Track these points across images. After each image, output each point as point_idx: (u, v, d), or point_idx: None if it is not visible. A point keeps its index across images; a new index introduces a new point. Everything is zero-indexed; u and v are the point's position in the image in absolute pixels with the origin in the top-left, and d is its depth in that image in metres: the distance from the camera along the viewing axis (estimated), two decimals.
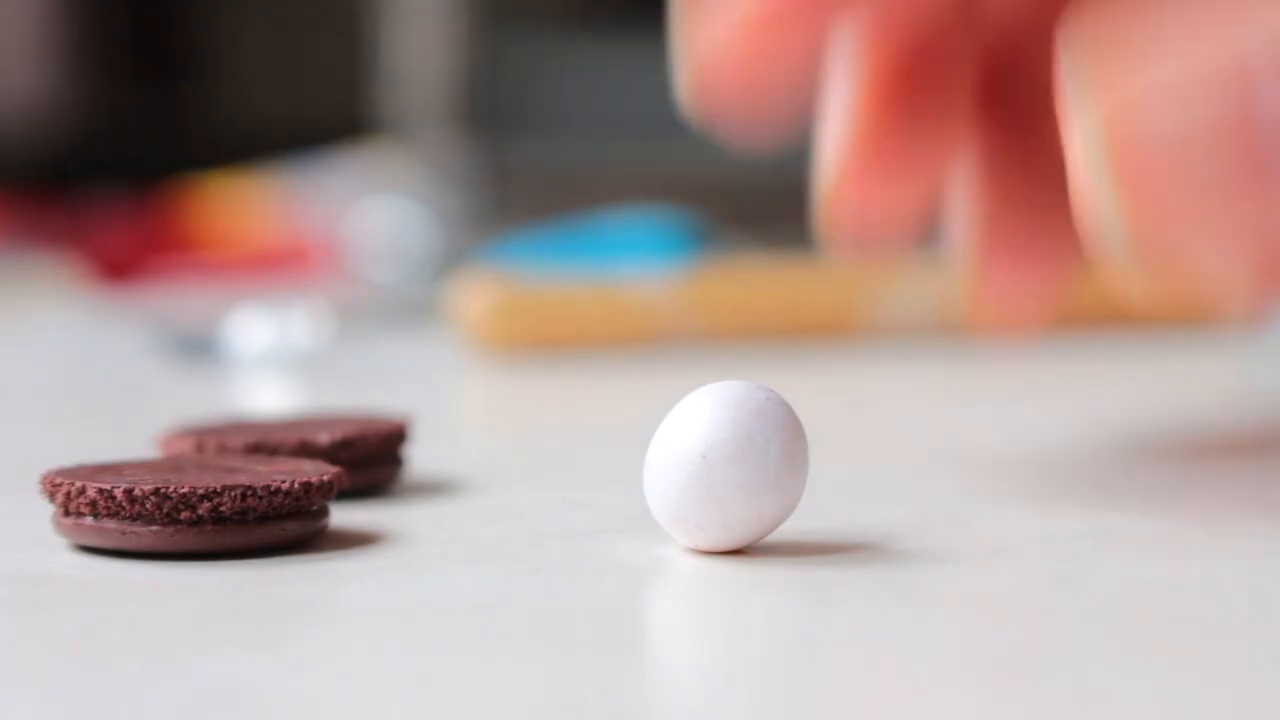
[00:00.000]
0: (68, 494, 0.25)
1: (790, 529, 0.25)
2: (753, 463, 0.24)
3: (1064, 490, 0.30)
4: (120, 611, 0.22)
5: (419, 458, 0.31)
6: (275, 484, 0.25)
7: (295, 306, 0.54)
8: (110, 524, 0.24)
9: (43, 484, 0.25)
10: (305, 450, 0.28)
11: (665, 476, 0.24)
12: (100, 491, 0.24)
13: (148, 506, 0.24)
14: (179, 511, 0.24)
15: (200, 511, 0.24)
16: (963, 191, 0.28)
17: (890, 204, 0.27)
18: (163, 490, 0.24)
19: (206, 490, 0.24)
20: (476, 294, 0.50)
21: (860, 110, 0.27)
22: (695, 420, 0.24)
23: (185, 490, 0.24)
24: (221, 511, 0.24)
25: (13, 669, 0.20)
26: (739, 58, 0.25)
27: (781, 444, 0.24)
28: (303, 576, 0.24)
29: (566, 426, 0.39)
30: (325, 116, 1.22)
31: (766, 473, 0.24)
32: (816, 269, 0.51)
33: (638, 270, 0.53)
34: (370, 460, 0.29)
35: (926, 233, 0.29)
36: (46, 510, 0.26)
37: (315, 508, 0.25)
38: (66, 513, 0.25)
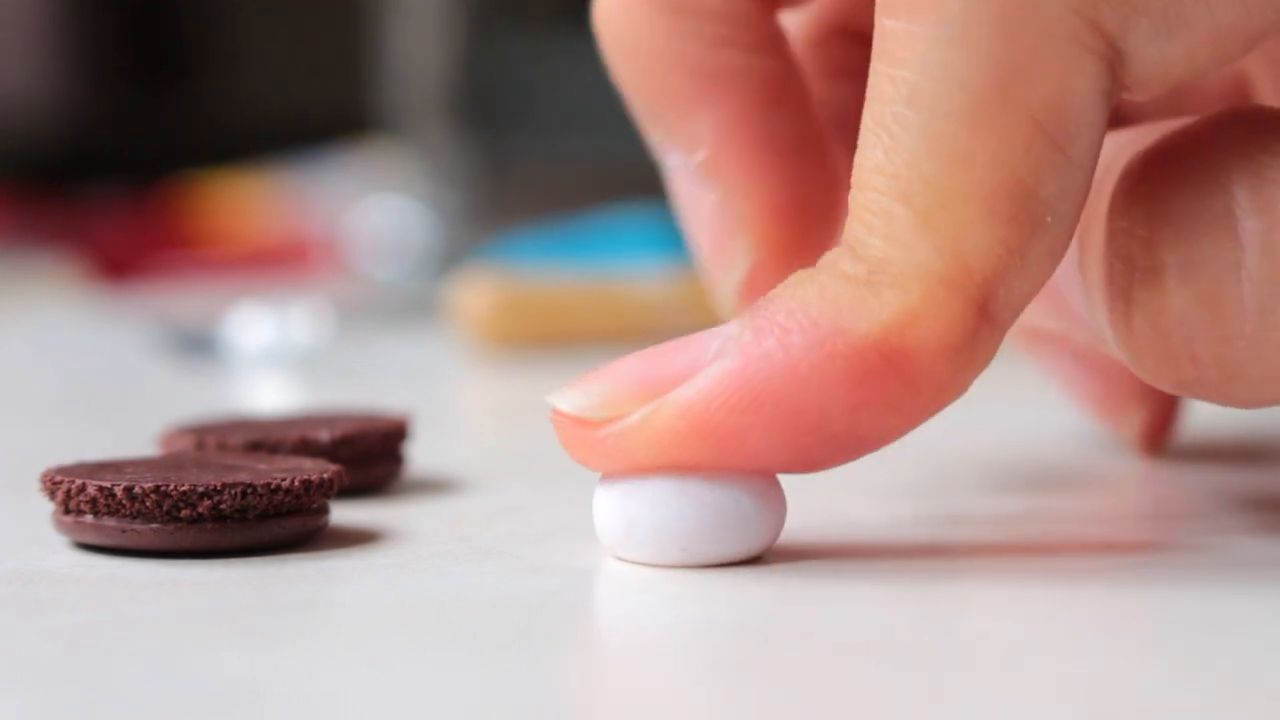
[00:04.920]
0: (68, 492, 0.25)
1: (789, 529, 0.25)
2: (734, 532, 0.24)
3: (1061, 489, 0.30)
4: (120, 609, 0.22)
5: (419, 455, 0.31)
6: (275, 482, 0.25)
7: (295, 304, 0.54)
8: (110, 522, 0.24)
9: (43, 482, 0.25)
10: (305, 448, 0.28)
11: (642, 555, 0.24)
12: (100, 489, 0.24)
13: (148, 504, 0.24)
14: (179, 509, 0.24)
15: (200, 509, 0.24)
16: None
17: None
18: (163, 488, 0.24)
19: (207, 488, 0.24)
20: (476, 292, 0.50)
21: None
22: (662, 509, 0.24)
23: (185, 488, 0.24)
24: (221, 509, 0.24)
25: (13, 667, 0.20)
26: None
27: (748, 491, 0.24)
28: (303, 574, 0.24)
29: None
30: (325, 114, 1.22)
31: (748, 532, 0.24)
32: None
33: (637, 268, 0.53)
34: (370, 458, 0.29)
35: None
36: (47, 508, 0.26)
37: (315, 505, 0.25)
38: (67, 511, 0.25)
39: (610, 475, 0.24)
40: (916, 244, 0.22)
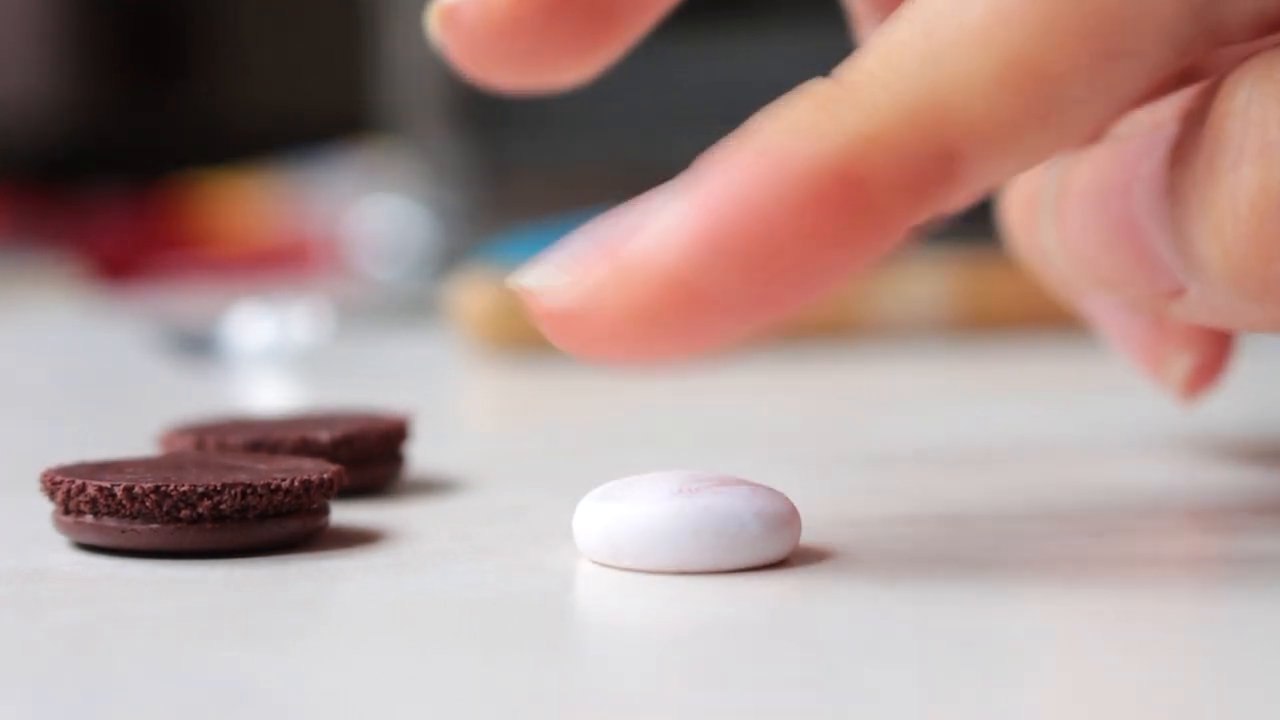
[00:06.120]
0: (68, 492, 0.25)
1: None
2: (739, 550, 0.24)
3: (1064, 488, 0.30)
4: (120, 609, 0.22)
5: (419, 455, 0.31)
6: (275, 482, 0.25)
7: (295, 304, 0.54)
8: (110, 522, 0.24)
9: (43, 482, 0.25)
10: (305, 448, 0.28)
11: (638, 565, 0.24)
12: (100, 489, 0.24)
13: (148, 504, 0.24)
14: (179, 509, 0.24)
15: (200, 509, 0.24)
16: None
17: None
18: (163, 488, 0.24)
19: (206, 488, 0.24)
20: (476, 292, 0.50)
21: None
22: (662, 537, 0.23)
23: (185, 488, 0.24)
24: (221, 509, 0.24)
25: (13, 666, 0.20)
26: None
27: (757, 516, 0.24)
28: (303, 575, 0.24)
29: (566, 425, 0.39)
30: (325, 114, 1.22)
31: (751, 549, 0.24)
32: None
33: None
34: (370, 458, 0.29)
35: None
36: (47, 508, 0.26)
37: (315, 506, 0.25)
38: (66, 510, 0.25)
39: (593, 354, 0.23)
40: (908, 70, 0.21)
